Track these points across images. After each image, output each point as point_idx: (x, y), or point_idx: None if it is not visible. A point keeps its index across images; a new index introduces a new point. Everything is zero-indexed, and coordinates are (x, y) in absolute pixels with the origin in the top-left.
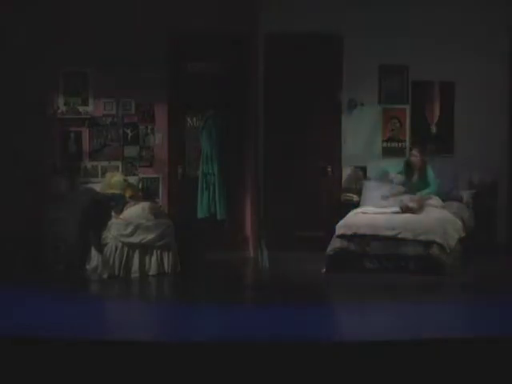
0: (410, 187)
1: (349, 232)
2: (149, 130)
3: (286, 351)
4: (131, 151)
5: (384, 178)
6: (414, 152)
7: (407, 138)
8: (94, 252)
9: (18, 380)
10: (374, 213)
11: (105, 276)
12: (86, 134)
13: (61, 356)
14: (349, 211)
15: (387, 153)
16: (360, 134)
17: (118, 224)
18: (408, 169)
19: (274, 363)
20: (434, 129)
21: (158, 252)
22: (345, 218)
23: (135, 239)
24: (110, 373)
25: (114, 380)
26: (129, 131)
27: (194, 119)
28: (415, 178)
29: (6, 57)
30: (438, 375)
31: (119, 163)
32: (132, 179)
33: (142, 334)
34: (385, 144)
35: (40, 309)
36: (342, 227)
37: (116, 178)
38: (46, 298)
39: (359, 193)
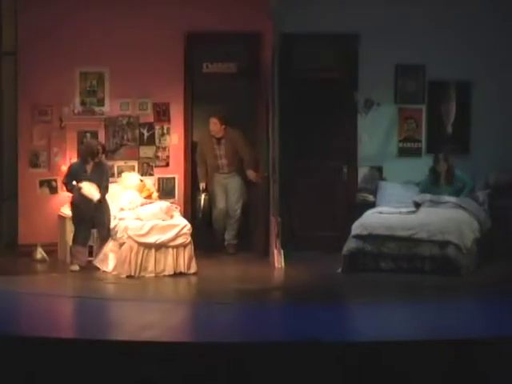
0: (436, 193)
1: (364, 232)
2: (165, 130)
3: (300, 351)
4: (147, 151)
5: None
6: (440, 158)
7: (423, 138)
8: (110, 253)
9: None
10: (389, 213)
11: (122, 276)
12: (102, 134)
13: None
14: (364, 211)
15: (403, 153)
16: (376, 133)
17: (134, 224)
18: (434, 175)
19: (287, 363)
20: (450, 129)
21: (174, 252)
22: (360, 218)
23: (151, 239)
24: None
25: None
26: (145, 131)
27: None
28: (442, 183)
29: None
30: (455, 375)
31: (135, 163)
32: (148, 179)
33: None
34: (401, 144)
35: None
36: (357, 227)
37: (132, 178)
38: None
39: (375, 193)
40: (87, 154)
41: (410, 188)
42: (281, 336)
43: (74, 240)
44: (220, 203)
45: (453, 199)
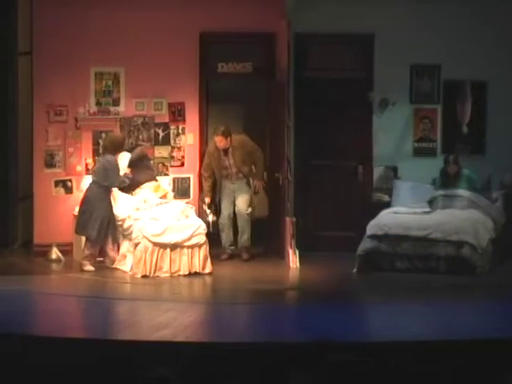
0: None
1: (380, 232)
2: (180, 130)
3: (317, 351)
4: (162, 151)
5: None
6: (450, 160)
7: (438, 138)
8: (128, 253)
9: None
10: (404, 213)
11: (138, 276)
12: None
13: None
14: (380, 211)
15: (418, 153)
16: (391, 133)
17: (149, 224)
18: (445, 178)
19: (308, 363)
20: (465, 129)
21: (189, 252)
22: (376, 218)
23: (166, 239)
24: None
25: None
26: (160, 131)
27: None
28: (452, 184)
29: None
30: (470, 375)
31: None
32: (163, 179)
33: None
34: (416, 144)
35: None
36: (372, 227)
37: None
38: None
39: (390, 193)
40: (112, 147)
41: (425, 188)
42: (296, 336)
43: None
44: (225, 209)
45: (466, 193)
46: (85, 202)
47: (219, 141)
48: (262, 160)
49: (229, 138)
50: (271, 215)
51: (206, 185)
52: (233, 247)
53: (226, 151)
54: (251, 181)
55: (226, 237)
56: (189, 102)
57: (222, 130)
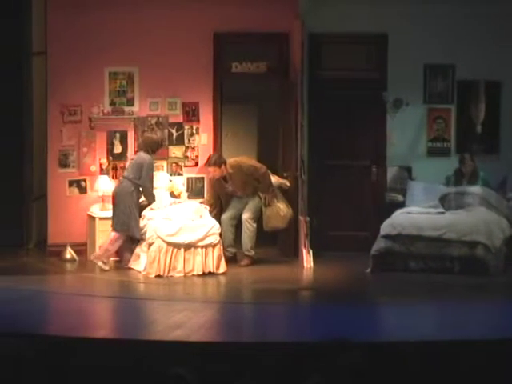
0: None
1: (393, 232)
2: (194, 130)
3: (332, 351)
4: (176, 151)
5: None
6: (466, 158)
7: (452, 138)
8: (142, 253)
9: None
10: (418, 213)
11: (151, 276)
12: (131, 133)
13: None
14: (393, 211)
15: (432, 153)
16: (405, 133)
17: (163, 224)
18: (459, 176)
19: (322, 362)
20: (479, 129)
21: (203, 252)
22: (389, 218)
23: (180, 239)
24: None
25: None
26: (174, 131)
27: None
28: (466, 183)
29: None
30: (485, 375)
31: (164, 163)
32: (177, 179)
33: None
34: (430, 144)
35: None
36: (386, 227)
37: (161, 177)
38: None
39: (404, 193)
40: (144, 145)
41: (439, 188)
42: (310, 336)
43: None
44: (228, 211)
45: (478, 190)
46: (115, 199)
47: (213, 171)
48: (265, 175)
49: (223, 167)
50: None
51: (211, 211)
52: (233, 250)
53: (225, 179)
54: (261, 195)
55: (224, 237)
56: (203, 102)
57: (214, 161)
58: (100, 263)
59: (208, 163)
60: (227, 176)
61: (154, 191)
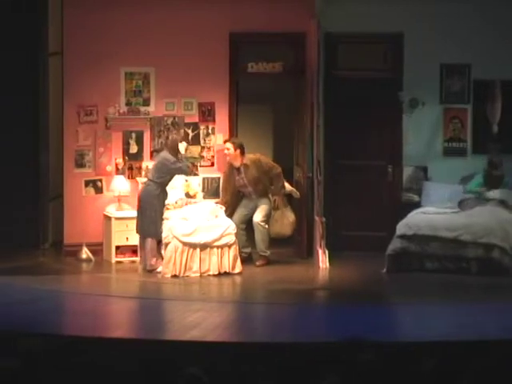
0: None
1: (409, 232)
2: (210, 130)
3: (348, 351)
4: (192, 151)
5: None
6: (498, 163)
7: (468, 138)
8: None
9: None
10: (434, 213)
11: (167, 275)
12: (147, 133)
13: None
14: (409, 211)
15: (448, 153)
16: (421, 133)
17: (179, 224)
18: (487, 180)
19: (339, 362)
20: (495, 128)
21: (219, 252)
22: (405, 218)
23: (196, 239)
24: None
25: None
26: (190, 131)
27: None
28: (493, 187)
29: None
30: (502, 376)
31: None
32: (193, 179)
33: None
34: (446, 144)
35: None
36: (402, 227)
37: (177, 177)
38: None
39: (420, 193)
40: (173, 150)
41: (456, 188)
42: (326, 336)
43: None
44: (237, 213)
45: (498, 195)
46: (140, 202)
47: (229, 149)
48: (279, 177)
49: (239, 152)
50: (301, 215)
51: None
52: (247, 250)
53: (238, 170)
54: (271, 197)
55: (239, 241)
56: (219, 102)
57: (233, 140)
58: (156, 270)
59: (227, 140)
60: (242, 168)
61: (170, 190)
